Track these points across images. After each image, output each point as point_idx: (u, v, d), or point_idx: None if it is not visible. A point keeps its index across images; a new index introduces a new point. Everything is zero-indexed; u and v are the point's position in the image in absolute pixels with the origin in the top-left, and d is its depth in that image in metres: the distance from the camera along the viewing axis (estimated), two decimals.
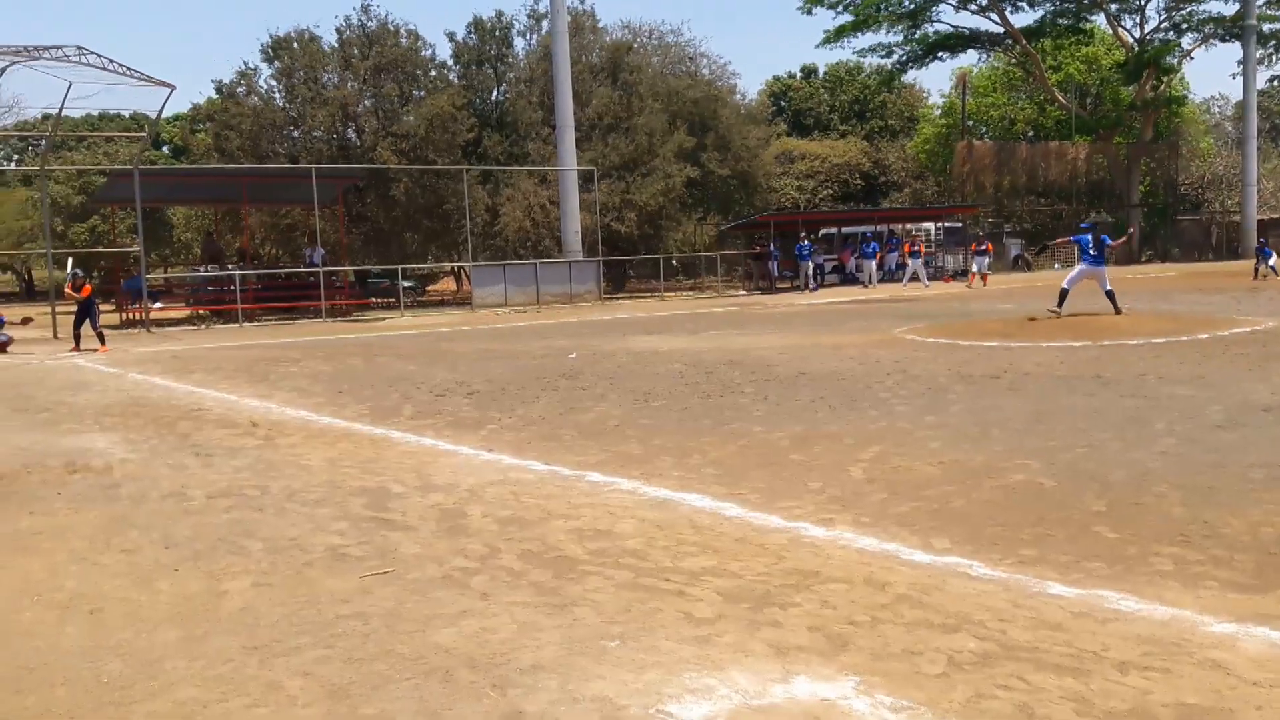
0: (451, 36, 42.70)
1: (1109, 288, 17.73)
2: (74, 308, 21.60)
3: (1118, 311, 17.25)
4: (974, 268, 36.03)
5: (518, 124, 40.18)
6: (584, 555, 5.40)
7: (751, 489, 6.78)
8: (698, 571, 5.05)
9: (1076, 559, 5.06)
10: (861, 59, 58.93)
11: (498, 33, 42.73)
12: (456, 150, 37.94)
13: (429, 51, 41.29)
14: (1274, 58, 54.53)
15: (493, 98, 43.09)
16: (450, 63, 42.56)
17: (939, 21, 51.32)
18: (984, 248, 36.80)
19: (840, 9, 50.00)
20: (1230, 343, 14.16)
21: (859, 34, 50.85)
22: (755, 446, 8.23)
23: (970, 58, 56.36)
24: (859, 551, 5.33)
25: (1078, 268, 18.47)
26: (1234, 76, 71.52)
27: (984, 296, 28.85)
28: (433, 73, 41.33)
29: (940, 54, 52.96)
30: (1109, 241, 18.45)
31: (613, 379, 12.88)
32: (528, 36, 43.52)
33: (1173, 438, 7.86)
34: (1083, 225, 19.35)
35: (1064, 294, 17.83)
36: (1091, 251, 17.95)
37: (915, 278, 36.35)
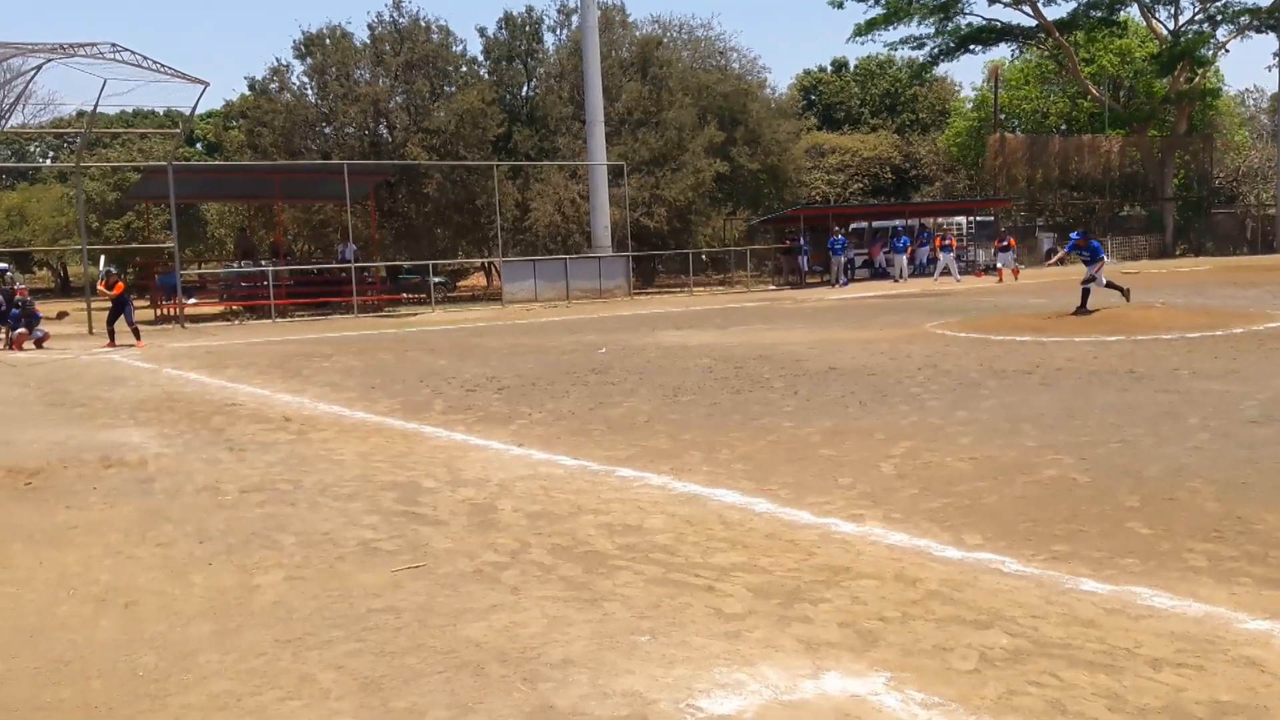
0: (482, 32, 42.86)
1: (1087, 285, 17.83)
2: (109, 304, 21.84)
3: (1080, 309, 17.43)
4: (999, 263, 35.81)
5: (548, 119, 40.22)
6: (614, 550, 5.41)
7: (781, 484, 6.77)
8: (727, 567, 5.06)
9: (1109, 555, 5.04)
10: (892, 51, 58.57)
11: (528, 28, 42.82)
12: (487, 146, 38.04)
13: (460, 47, 41.41)
14: None
15: (523, 93, 43.17)
16: (481, 58, 42.72)
17: (971, 14, 50.93)
18: (1006, 243, 36.64)
19: (871, 2, 49.76)
20: (1265, 337, 14.01)
21: (890, 27, 50.53)
22: (785, 442, 8.22)
23: (1002, 51, 55.99)
24: (890, 547, 5.32)
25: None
26: (1270, 69, 70.65)
27: (1016, 291, 28.67)
28: (463, 68, 41.43)
29: (972, 47, 52.54)
30: (1097, 247, 18.77)
31: (642, 374, 12.89)
32: (558, 32, 43.63)
33: (1206, 433, 7.79)
34: (1075, 236, 19.66)
35: (1125, 292, 18.06)
36: (1084, 256, 18.51)
37: (946, 272, 36.14)
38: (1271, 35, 51.39)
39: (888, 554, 5.20)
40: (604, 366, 13.87)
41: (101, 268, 23.94)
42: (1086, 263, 18.40)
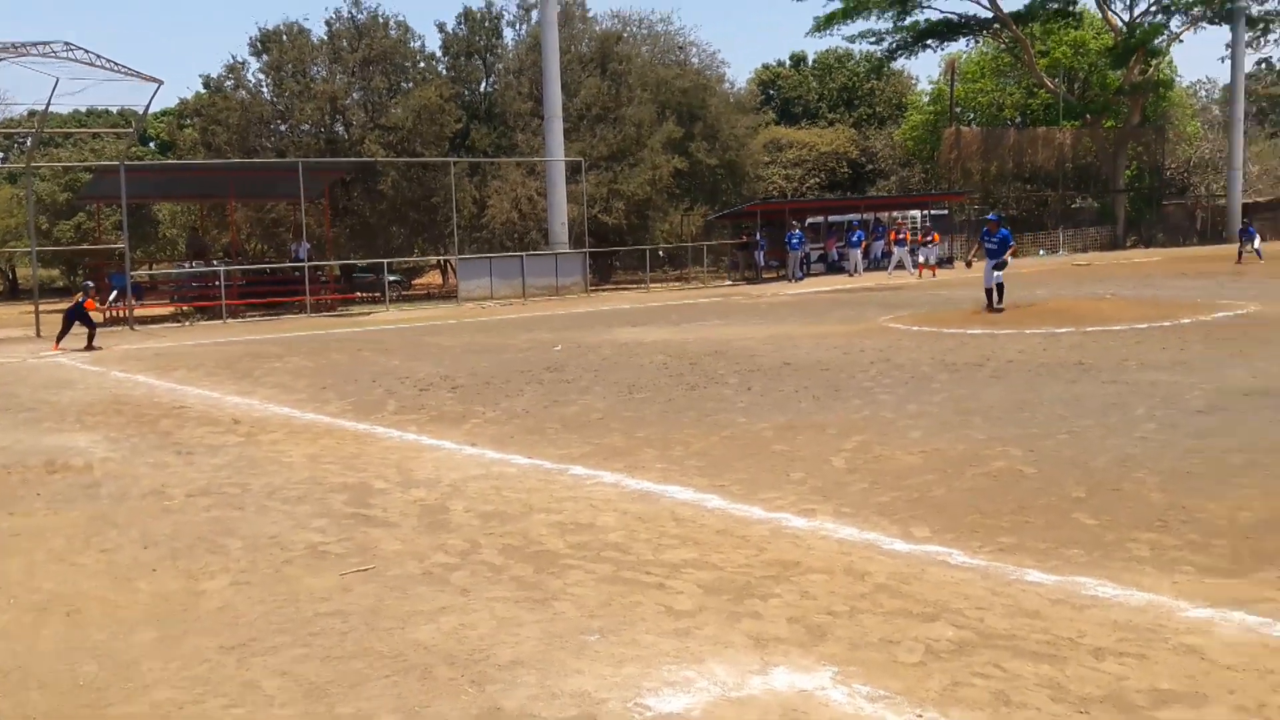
0: (441, 27, 42.78)
1: (999, 280, 17.75)
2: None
3: (992, 307, 17.43)
4: (921, 258, 36.04)
5: (506, 115, 40.07)
6: (565, 549, 5.40)
7: (734, 480, 6.79)
8: (679, 564, 5.06)
9: (1055, 546, 5.09)
10: (851, 44, 58.88)
11: (488, 23, 42.59)
12: (444, 142, 37.82)
13: (418, 43, 41.11)
14: (1262, 40, 54.75)
15: (481, 89, 42.96)
16: (439, 54, 42.45)
17: (929, 8, 51.24)
18: (930, 239, 37.05)
19: None
20: (1213, 327, 14.21)
21: (849, 21, 50.72)
22: (738, 437, 8.24)
23: (959, 45, 56.34)
24: (839, 542, 5.34)
25: (986, 263, 18.28)
26: (1222, 60, 71.66)
27: (969, 284, 28.77)
28: (421, 64, 41.19)
29: (929, 41, 52.93)
30: (1006, 236, 18.28)
31: (597, 371, 12.88)
32: (517, 27, 43.41)
33: (1153, 423, 7.89)
34: (991, 218, 19.30)
35: (990, 293, 17.84)
36: (991, 244, 18.13)
37: (901, 266, 36.35)
38: (1224, 26, 52.02)
39: (837, 548, 5.22)
40: (559, 364, 13.84)
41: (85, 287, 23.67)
42: (992, 252, 17.94)
